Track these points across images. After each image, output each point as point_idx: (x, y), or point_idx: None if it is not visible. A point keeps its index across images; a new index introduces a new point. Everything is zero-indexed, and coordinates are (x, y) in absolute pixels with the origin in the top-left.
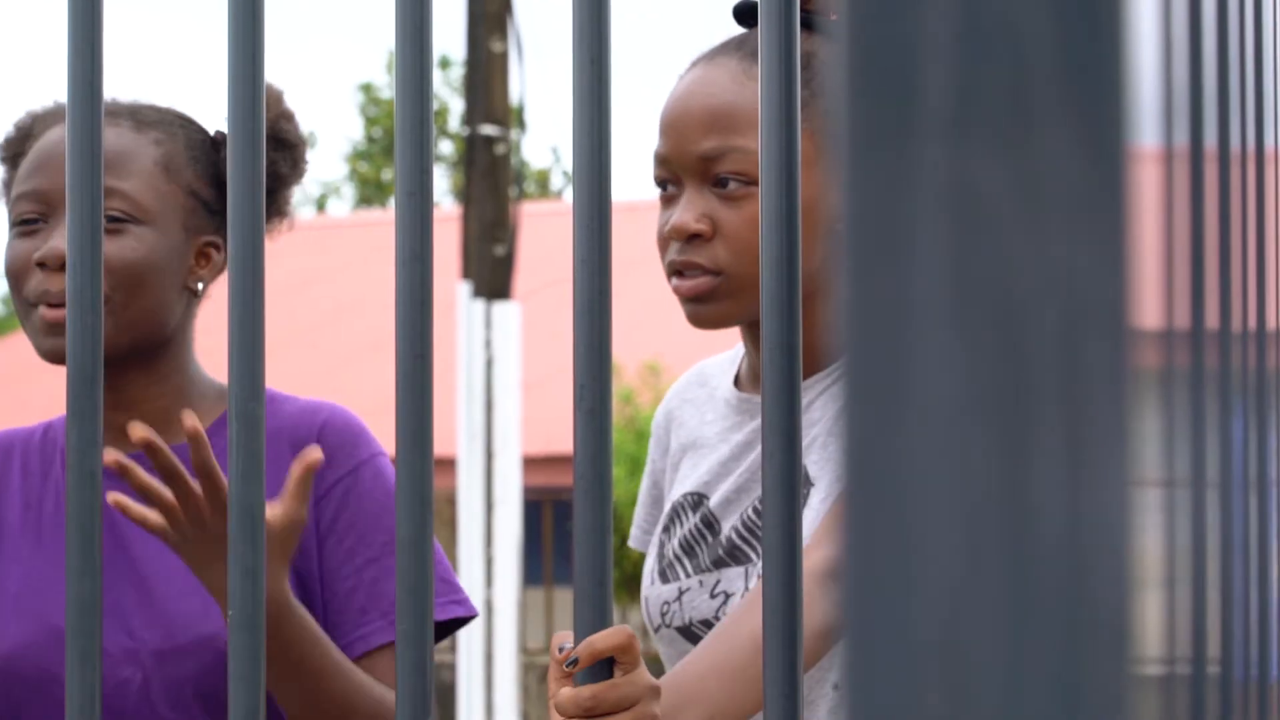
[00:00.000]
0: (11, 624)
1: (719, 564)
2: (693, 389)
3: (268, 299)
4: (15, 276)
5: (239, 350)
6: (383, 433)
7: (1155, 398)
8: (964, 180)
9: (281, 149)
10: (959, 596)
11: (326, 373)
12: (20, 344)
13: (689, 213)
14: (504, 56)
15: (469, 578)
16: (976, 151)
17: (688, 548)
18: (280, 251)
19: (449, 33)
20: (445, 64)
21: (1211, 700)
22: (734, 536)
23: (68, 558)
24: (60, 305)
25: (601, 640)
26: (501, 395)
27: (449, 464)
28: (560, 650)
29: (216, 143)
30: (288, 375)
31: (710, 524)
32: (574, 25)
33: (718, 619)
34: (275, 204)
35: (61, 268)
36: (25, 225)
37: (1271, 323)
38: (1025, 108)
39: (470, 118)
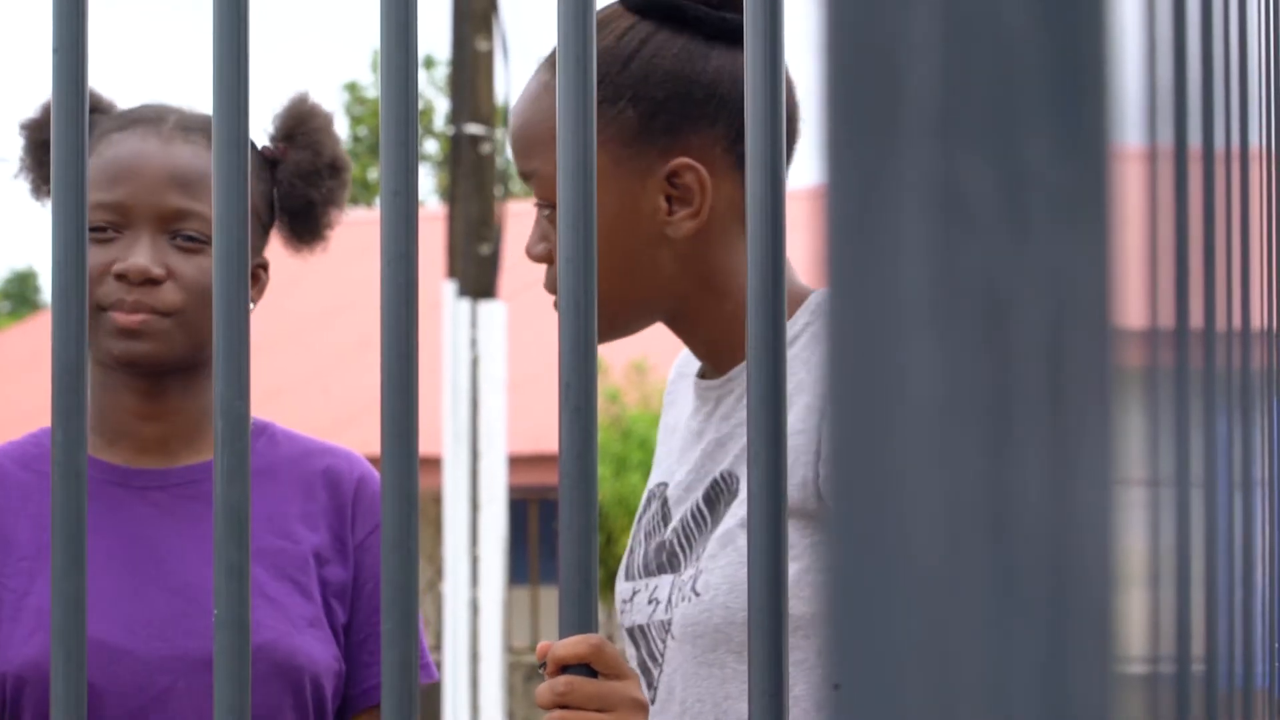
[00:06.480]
0: (40, 633)
1: (659, 569)
2: (688, 364)
3: None
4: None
5: (225, 349)
6: (369, 431)
7: (1139, 397)
8: (948, 179)
9: (334, 174)
10: (943, 595)
11: (312, 372)
12: (12, 342)
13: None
14: (489, 55)
15: (455, 577)
16: (961, 151)
17: (641, 543)
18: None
19: (434, 32)
20: (430, 63)
21: (1196, 699)
22: (673, 539)
23: (53, 556)
24: (135, 312)
25: (562, 647)
26: (487, 394)
27: (434, 463)
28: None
29: (264, 157)
30: (274, 375)
31: (666, 518)
32: (559, 24)
33: (651, 623)
34: (317, 225)
35: (143, 283)
36: (97, 233)
37: (1255, 322)
38: (1010, 107)
39: (455, 117)
